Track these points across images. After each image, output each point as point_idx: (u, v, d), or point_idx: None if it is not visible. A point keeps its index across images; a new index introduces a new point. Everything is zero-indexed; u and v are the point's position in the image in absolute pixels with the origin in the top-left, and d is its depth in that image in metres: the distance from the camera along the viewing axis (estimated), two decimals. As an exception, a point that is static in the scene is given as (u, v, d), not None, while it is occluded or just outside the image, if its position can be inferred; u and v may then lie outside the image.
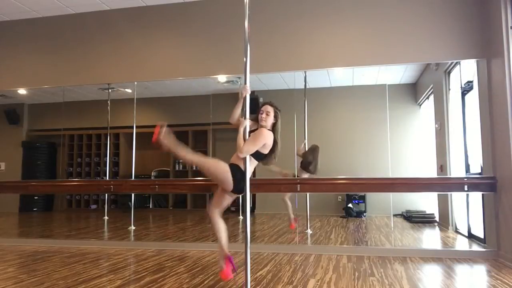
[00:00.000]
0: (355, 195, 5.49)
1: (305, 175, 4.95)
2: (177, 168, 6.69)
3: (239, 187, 2.95)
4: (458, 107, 4.80)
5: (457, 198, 4.93)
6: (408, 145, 5.20)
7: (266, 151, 3.04)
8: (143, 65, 5.20)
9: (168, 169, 6.68)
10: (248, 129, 2.96)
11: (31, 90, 5.82)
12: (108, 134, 5.71)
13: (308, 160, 4.97)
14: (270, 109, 3.09)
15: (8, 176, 6.07)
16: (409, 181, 4.40)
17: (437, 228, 5.26)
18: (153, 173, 6.66)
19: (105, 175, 6.32)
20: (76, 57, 5.43)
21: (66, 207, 6.74)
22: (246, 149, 2.89)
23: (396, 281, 3.23)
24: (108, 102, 5.50)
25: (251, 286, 3.00)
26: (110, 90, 5.49)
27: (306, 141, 5.07)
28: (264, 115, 3.07)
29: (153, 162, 6.76)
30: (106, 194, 6.15)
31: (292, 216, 5.11)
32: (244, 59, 2.92)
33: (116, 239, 5.08)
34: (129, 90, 5.55)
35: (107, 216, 6.03)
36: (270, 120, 3.08)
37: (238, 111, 3.04)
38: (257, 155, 3.01)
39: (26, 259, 4.17)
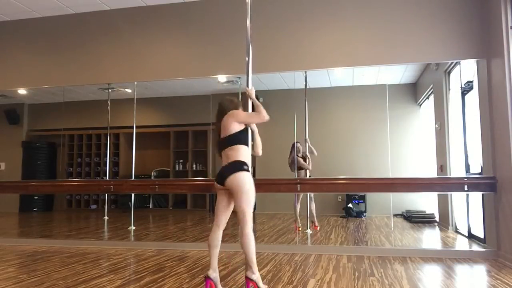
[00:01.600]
0: (355, 195, 5.49)
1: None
2: (177, 168, 6.69)
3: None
4: (458, 107, 4.80)
5: (457, 198, 4.93)
6: (408, 145, 5.20)
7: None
8: (143, 65, 5.20)
9: (168, 169, 6.68)
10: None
11: (31, 90, 5.82)
12: (108, 134, 5.71)
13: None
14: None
15: (8, 176, 6.07)
16: (409, 181, 4.40)
17: (437, 228, 5.26)
18: (153, 173, 6.66)
19: (105, 175, 6.32)
20: (76, 57, 5.43)
21: (66, 207, 6.74)
22: None
23: (396, 281, 3.23)
24: (108, 102, 5.50)
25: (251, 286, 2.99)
26: (110, 90, 5.49)
27: (308, 140, 5.08)
28: None
29: (153, 162, 6.76)
30: (106, 194, 6.15)
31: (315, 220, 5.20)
32: (246, 59, 2.93)
33: (116, 239, 5.08)
34: (129, 90, 5.55)
35: (107, 216, 6.03)
36: None
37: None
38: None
39: (26, 259, 4.17)
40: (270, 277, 3.36)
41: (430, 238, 5.12)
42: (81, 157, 6.77)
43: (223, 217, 2.90)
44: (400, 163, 4.99)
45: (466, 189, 4.22)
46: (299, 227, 5.14)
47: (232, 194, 2.83)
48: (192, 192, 6.30)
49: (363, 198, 5.48)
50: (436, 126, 5.08)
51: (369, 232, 5.06)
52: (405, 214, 5.33)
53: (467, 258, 4.09)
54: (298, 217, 5.14)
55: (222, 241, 2.92)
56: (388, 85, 5.00)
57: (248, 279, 2.80)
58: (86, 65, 5.39)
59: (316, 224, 5.22)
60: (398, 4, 4.57)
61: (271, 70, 4.84)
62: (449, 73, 4.96)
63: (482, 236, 4.37)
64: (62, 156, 6.63)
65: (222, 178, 2.81)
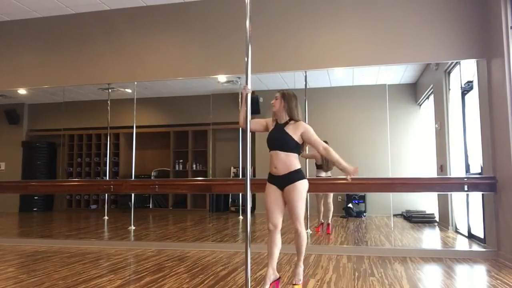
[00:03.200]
0: (355, 195, 5.49)
1: (322, 174, 5.02)
2: (177, 168, 6.69)
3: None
4: (458, 107, 4.80)
5: (457, 198, 4.93)
6: (408, 145, 5.20)
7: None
8: (143, 65, 5.20)
9: (168, 169, 6.68)
10: (249, 128, 2.95)
11: (31, 90, 5.82)
12: (108, 134, 5.71)
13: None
14: (278, 94, 3.10)
15: (8, 176, 6.07)
16: (409, 181, 4.40)
17: (437, 228, 5.26)
18: (153, 173, 6.66)
19: (105, 175, 6.32)
20: (76, 57, 5.43)
21: (66, 207, 6.74)
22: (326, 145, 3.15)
23: (396, 281, 3.23)
24: (108, 102, 5.50)
25: (251, 286, 2.99)
26: (110, 90, 5.49)
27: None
28: (273, 101, 3.10)
29: (153, 162, 6.76)
30: (106, 194, 6.15)
31: (330, 221, 5.19)
32: (246, 59, 2.92)
33: (116, 239, 5.08)
34: (129, 90, 5.55)
35: (107, 216, 6.03)
36: (278, 103, 3.06)
37: (243, 113, 2.96)
38: (298, 148, 3.10)
39: (26, 259, 4.17)
40: (270, 277, 3.35)
41: (430, 238, 5.11)
42: (81, 157, 6.77)
43: None
44: (400, 163, 4.99)
45: (466, 189, 4.22)
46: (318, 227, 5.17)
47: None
48: (192, 192, 6.30)
49: (363, 198, 5.48)
50: (436, 126, 5.08)
51: (369, 232, 5.05)
52: (405, 214, 5.33)
53: (467, 258, 4.09)
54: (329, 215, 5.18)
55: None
56: (388, 85, 5.00)
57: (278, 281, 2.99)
58: (86, 65, 5.39)
59: (321, 224, 5.19)
60: (398, 4, 4.57)
61: (271, 70, 4.84)
62: (449, 73, 4.96)
63: (482, 236, 4.37)
64: (62, 156, 6.63)
65: None
